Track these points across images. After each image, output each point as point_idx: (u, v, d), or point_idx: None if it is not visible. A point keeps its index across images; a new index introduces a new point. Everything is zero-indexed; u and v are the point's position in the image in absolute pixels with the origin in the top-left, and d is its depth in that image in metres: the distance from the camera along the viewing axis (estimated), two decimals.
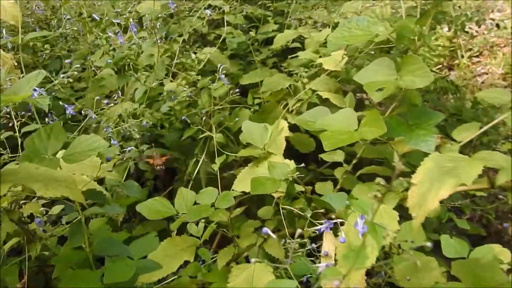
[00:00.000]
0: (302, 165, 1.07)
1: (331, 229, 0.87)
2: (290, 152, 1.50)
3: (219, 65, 1.39)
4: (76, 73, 1.27)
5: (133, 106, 1.68)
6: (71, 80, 2.11)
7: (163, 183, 1.80)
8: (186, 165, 1.67)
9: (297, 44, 2.16)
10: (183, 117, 1.49)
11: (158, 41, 1.48)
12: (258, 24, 2.21)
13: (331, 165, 1.50)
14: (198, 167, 1.47)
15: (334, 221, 0.84)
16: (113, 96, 1.89)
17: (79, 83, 2.12)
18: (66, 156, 0.76)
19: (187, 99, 1.49)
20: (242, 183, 1.10)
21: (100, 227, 1.47)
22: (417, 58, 0.88)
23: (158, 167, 1.45)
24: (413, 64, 0.88)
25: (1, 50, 1.52)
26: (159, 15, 1.58)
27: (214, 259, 1.23)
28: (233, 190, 1.11)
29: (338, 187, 1.06)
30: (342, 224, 0.85)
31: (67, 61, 1.44)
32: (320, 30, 2.05)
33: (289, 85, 1.74)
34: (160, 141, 1.68)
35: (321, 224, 0.86)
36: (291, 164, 1.04)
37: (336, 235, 0.86)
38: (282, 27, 2.31)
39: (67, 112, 1.38)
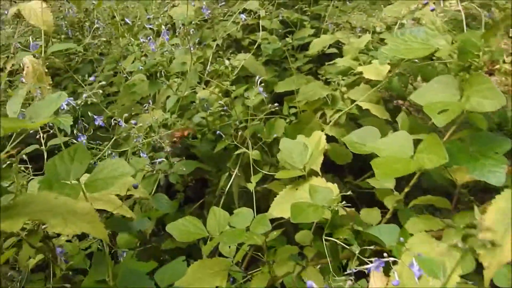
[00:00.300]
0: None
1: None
2: (325, 163, 1.41)
3: (257, 78, 1.30)
4: (104, 82, 1.19)
5: (164, 115, 1.61)
6: (102, 85, 2.09)
7: (194, 194, 1.72)
8: (218, 177, 1.59)
9: (334, 50, 2.05)
10: (216, 130, 1.40)
11: (191, 48, 1.39)
12: (293, 29, 2.12)
13: (370, 176, 1.40)
14: (231, 181, 1.38)
15: (385, 259, 0.74)
16: (144, 105, 1.83)
17: (110, 87, 2.07)
18: (88, 183, 0.68)
19: (220, 110, 1.41)
20: (280, 207, 1.00)
21: (127, 242, 1.41)
22: (486, 77, 0.77)
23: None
24: (481, 84, 0.77)
25: (32, 55, 1.47)
26: (192, 21, 1.50)
27: (245, 279, 1.15)
28: (270, 213, 1.02)
29: (388, 216, 0.95)
30: (394, 262, 0.74)
31: (91, 78, 1.37)
32: (359, 36, 1.94)
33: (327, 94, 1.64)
34: (192, 151, 1.60)
35: (369, 260, 0.76)
36: (335, 188, 0.94)
37: (386, 274, 0.76)
38: (318, 31, 2.20)
39: (96, 123, 1.31)
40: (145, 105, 1.84)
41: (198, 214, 1.65)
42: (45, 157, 1.07)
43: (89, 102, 1.94)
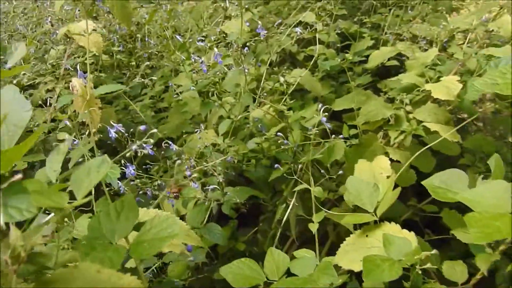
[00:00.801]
0: None
1: None
2: None
3: (320, 106, 1.18)
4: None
5: (216, 138, 1.52)
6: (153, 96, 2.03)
7: (247, 218, 1.63)
8: (273, 203, 1.49)
9: (395, 62, 1.91)
10: (271, 156, 1.30)
11: (246, 70, 1.30)
12: (351, 41, 1.99)
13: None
14: (288, 212, 1.28)
15: None
16: (196, 125, 1.75)
17: (161, 103, 2.01)
18: (134, 246, 0.59)
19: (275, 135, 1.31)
20: (348, 257, 0.88)
21: (179, 273, 1.33)
22: None
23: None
24: None
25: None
26: (246, 41, 1.40)
27: None
28: (336, 261, 0.90)
29: (478, 277, 0.81)
30: None
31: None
32: (425, 49, 1.79)
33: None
34: (245, 175, 1.51)
35: None
36: (412, 238, 0.82)
37: None
38: (377, 42, 2.06)
39: (146, 151, 1.23)
40: (197, 128, 1.76)
41: (252, 240, 1.56)
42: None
43: (136, 121, 1.90)
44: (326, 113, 1.57)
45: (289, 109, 1.32)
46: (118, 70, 2.14)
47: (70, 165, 0.71)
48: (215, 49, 1.31)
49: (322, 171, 1.40)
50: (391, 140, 1.46)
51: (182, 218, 1.54)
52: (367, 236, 0.88)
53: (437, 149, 1.59)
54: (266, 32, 1.35)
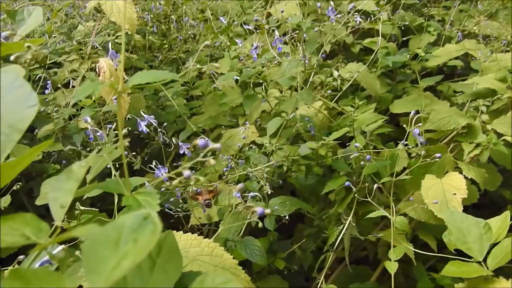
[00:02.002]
0: None
1: None
2: None
3: (412, 113, 0.97)
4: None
5: (257, 135, 1.32)
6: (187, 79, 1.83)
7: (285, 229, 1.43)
8: (319, 211, 1.28)
9: (457, 62, 1.68)
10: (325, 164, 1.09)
11: (306, 60, 1.09)
12: (410, 35, 1.76)
13: None
14: (343, 232, 1.07)
15: None
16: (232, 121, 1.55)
17: (194, 90, 1.81)
18: None
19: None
20: None
21: None
22: None
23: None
24: None
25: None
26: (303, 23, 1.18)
27: None
28: None
29: None
30: None
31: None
32: (507, 50, 1.55)
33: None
34: (289, 181, 1.30)
35: None
36: None
37: None
38: (438, 39, 1.83)
39: (181, 151, 1.04)
40: (233, 121, 1.56)
41: (290, 255, 1.36)
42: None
43: (167, 111, 1.71)
44: (387, 117, 1.38)
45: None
46: (150, 52, 1.95)
47: (89, 178, 0.51)
48: (277, 32, 1.09)
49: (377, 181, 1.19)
50: (465, 154, 1.24)
51: (216, 225, 1.35)
52: None
53: (502, 164, 1.37)
54: (335, 13, 1.13)
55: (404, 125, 1.17)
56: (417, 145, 1.24)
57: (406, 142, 1.13)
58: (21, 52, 0.45)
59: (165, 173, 0.96)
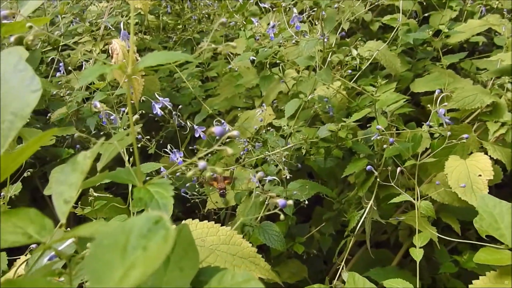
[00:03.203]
0: None
1: None
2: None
3: (439, 110, 0.92)
4: None
5: (273, 117, 1.28)
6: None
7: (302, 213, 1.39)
8: (338, 194, 1.24)
9: (480, 38, 1.60)
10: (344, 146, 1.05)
11: (325, 39, 1.03)
12: (433, 10, 1.68)
13: None
14: (363, 216, 1.03)
15: None
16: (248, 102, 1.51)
17: (209, 71, 1.76)
18: None
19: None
20: None
21: None
22: None
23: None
24: None
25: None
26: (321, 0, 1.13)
27: None
28: None
29: None
30: None
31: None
32: None
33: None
34: (307, 164, 1.26)
35: None
36: None
37: None
38: (460, 14, 1.75)
39: (197, 134, 1.00)
40: (249, 102, 1.52)
41: (309, 239, 1.32)
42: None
43: (182, 93, 1.67)
44: (408, 97, 1.33)
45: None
46: (164, 33, 1.90)
47: (100, 166, 0.47)
48: (295, 10, 1.04)
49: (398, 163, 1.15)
50: (490, 134, 1.18)
51: (233, 209, 1.32)
52: (505, 282, 0.62)
53: None
54: None
55: (428, 105, 1.12)
56: (440, 124, 1.18)
57: (430, 124, 1.07)
58: (23, 33, 0.41)
59: (180, 157, 0.92)
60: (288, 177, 1.09)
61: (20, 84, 0.38)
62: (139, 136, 0.94)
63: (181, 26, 1.91)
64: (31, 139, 0.86)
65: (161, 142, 1.32)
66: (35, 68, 1.24)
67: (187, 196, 1.18)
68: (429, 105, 1.16)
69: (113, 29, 1.26)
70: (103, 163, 0.48)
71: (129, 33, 0.86)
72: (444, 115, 1.03)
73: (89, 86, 1.17)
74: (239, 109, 1.51)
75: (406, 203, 1.25)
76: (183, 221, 1.60)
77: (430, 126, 1.15)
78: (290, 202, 0.63)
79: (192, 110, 1.58)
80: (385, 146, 1.04)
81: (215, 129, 0.44)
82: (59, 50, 1.34)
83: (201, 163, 0.44)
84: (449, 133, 1.07)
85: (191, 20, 1.90)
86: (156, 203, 0.40)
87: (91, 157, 0.39)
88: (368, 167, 0.99)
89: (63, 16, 1.27)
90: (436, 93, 0.99)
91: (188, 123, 1.05)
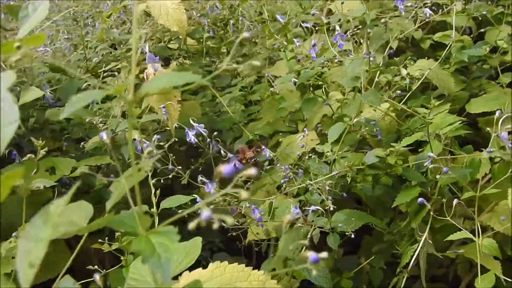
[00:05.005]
0: None
1: None
2: None
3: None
4: None
5: (317, 142, 1.19)
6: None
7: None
8: (388, 224, 1.13)
9: None
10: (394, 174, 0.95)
11: (371, 58, 0.95)
12: (489, 26, 1.56)
13: None
14: (418, 250, 0.92)
15: None
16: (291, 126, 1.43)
17: (252, 95, 1.70)
18: None
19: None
20: None
21: None
22: None
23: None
24: None
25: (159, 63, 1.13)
26: (366, 16, 1.04)
27: None
28: None
29: None
30: None
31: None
32: None
33: None
34: (353, 191, 1.16)
35: None
36: None
37: None
38: None
39: (232, 165, 0.93)
40: (292, 126, 1.45)
41: (357, 273, 1.21)
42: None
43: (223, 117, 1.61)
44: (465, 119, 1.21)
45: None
46: (208, 58, 1.86)
47: (109, 206, 0.41)
48: (337, 28, 0.96)
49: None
50: None
51: (276, 240, 1.23)
52: None
53: None
54: (404, 2, 0.98)
55: (488, 128, 1.00)
56: (502, 147, 1.06)
57: (492, 150, 0.96)
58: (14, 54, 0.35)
59: (214, 188, 0.85)
60: (333, 204, 1.00)
61: None
62: (170, 167, 0.88)
63: (225, 50, 1.86)
64: (64, 169, 0.80)
65: (200, 169, 1.26)
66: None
67: (227, 227, 1.11)
68: (488, 128, 1.04)
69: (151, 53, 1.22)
70: (112, 202, 0.41)
71: (166, 57, 0.80)
72: (508, 139, 0.91)
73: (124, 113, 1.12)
74: (280, 134, 1.43)
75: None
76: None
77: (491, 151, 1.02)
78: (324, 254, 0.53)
79: (234, 135, 1.52)
80: (438, 176, 0.93)
81: (224, 168, 0.36)
82: (100, 77, 1.31)
83: (205, 214, 0.36)
84: None
85: (233, 43, 1.85)
86: (158, 258, 0.32)
87: (65, 205, 0.32)
88: (420, 199, 0.88)
89: (98, 41, 1.25)
90: (497, 114, 0.87)
91: (222, 151, 0.98)
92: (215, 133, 1.05)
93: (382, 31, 1.25)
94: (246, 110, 1.69)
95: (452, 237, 0.87)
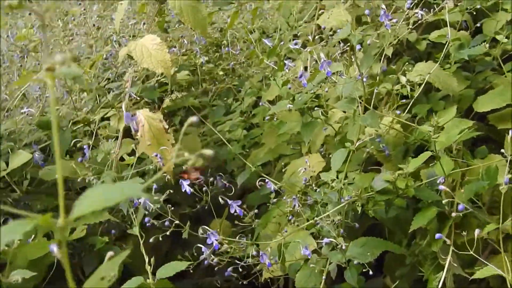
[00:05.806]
0: None
1: None
2: None
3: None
4: None
5: (322, 165, 1.13)
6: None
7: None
8: (412, 254, 1.06)
9: None
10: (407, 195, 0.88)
11: (364, 79, 0.89)
12: (485, 17, 1.48)
13: None
14: (443, 275, 0.85)
15: None
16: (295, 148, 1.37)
17: (253, 118, 1.64)
18: None
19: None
20: None
21: None
22: None
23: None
24: None
25: (148, 109, 1.08)
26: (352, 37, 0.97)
27: None
28: None
29: None
30: None
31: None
32: None
33: None
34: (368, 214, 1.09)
35: None
36: None
37: None
38: None
39: (232, 210, 0.87)
40: (296, 148, 1.39)
41: None
42: None
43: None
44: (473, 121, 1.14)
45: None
46: (205, 83, 1.80)
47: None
48: (322, 55, 0.90)
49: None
50: None
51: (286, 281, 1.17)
52: None
53: None
54: (391, 18, 0.91)
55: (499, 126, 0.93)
56: None
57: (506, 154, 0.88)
58: None
59: (216, 240, 0.79)
60: (349, 232, 0.94)
61: None
62: (167, 223, 0.82)
63: (222, 73, 1.79)
64: None
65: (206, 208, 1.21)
66: (66, 149, 1.17)
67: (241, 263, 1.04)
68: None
69: (137, 98, 1.17)
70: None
71: (133, 115, 0.75)
72: None
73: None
74: (286, 156, 1.38)
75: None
76: None
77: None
78: None
79: (237, 165, 1.46)
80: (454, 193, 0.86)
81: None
82: (93, 126, 1.26)
83: None
84: None
85: (227, 68, 1.79)
86: None
87: None
88: (438, 235, 0.80)
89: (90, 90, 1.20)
90: None
91: (220, 199, 0.92)
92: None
93: (373, 45, 1.16)
94: (249, 134, 1.63)
95: (478, 274, 0.80)
